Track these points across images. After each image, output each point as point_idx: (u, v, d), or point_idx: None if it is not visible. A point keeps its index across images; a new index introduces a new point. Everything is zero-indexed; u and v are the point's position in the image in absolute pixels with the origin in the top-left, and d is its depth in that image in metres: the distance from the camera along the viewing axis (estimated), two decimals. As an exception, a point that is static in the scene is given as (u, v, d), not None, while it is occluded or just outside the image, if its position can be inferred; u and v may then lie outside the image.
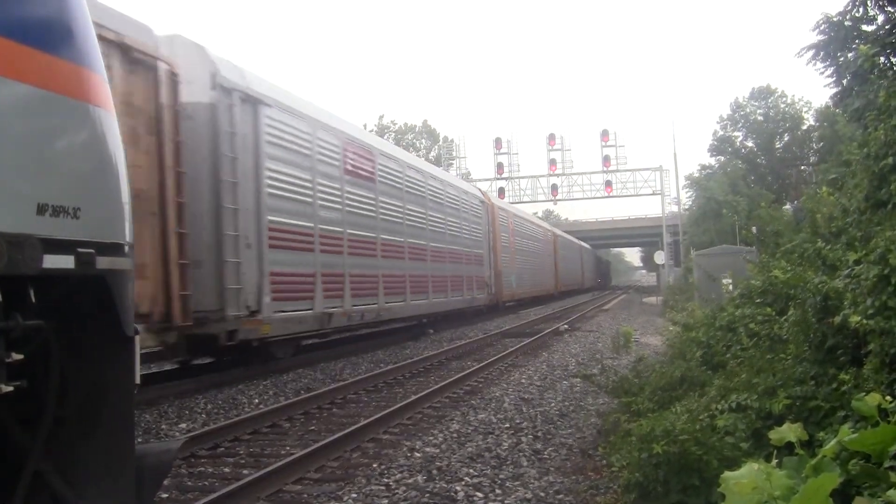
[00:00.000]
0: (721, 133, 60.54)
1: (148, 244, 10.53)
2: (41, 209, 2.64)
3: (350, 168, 17.06)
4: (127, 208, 3.26)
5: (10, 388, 2.55)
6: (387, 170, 19.58)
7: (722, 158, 58.38)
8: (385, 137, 62.69)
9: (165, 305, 10.79)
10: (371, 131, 51.53)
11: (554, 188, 54.23)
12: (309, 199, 14.94)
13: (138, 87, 10.60)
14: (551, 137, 53.38)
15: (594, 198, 55.30)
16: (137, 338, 3.17)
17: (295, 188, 14.37)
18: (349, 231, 16.66)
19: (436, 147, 77.22)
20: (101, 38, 10.20)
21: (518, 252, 37.08)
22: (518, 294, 36.90)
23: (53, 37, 2.87)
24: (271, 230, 13.27)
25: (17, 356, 2.58)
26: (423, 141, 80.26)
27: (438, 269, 23.37)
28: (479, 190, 33.96)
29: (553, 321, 27.30)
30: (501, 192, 51.48)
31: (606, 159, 52.36)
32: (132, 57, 10.43)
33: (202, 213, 11.90)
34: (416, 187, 22.11)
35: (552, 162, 53.39)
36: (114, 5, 10.28)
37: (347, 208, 16.71)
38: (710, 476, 4.45)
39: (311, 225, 14.97)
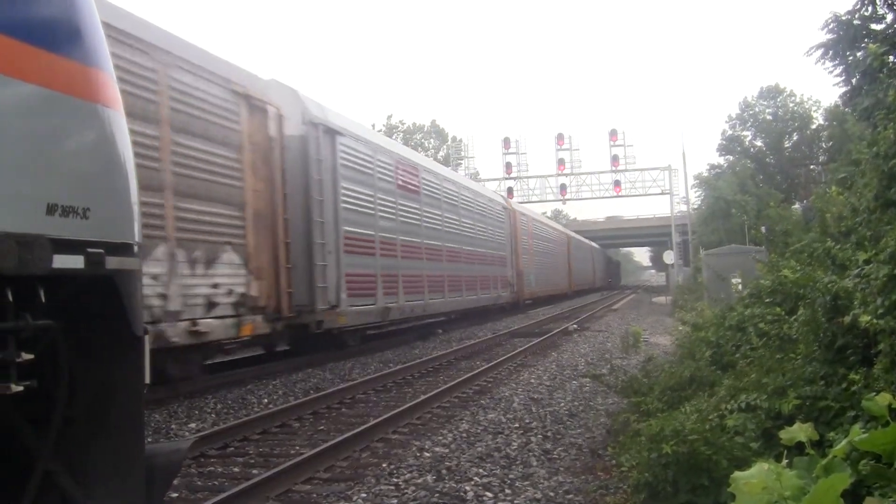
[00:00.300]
0: (730, 132, 60.30)
1: (265, 252, 13.07)
2: (51, 209, 2.65)
3: (401, 183, 19.85)
4: (136, 208, 3.26)
5: (20, 388, 2.56)
6: (428, 183, 22.34)
7: (731, 158, 58.20)
8: (394, 137, 62.78)
9: (276, 301, 13.23)
10: (379, 131, 51.52)
11: (563, 188, 54.04)
12: (371, 212, 17.61)
13: (256, 126, 13.05)
14: (560, 137, 53.25)
15: (603, 197, 55.15)
16: (147, 337, 3.17)
17: (361, 202, 17.07)
18: (401, 238, 19.44)
19: (444, 147, 77.18)
20: (233, 91, 12.00)
21: (536, 253, 38.61)
22: (536, 293, 38.30)
23: (60, 36, 2.87)
24: (346, 238, 15.93)
25: (27, 356, 2.59)
26: (432, 141, 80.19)
27: (470, 270, 25.98)
28: (502, 196, 36.42)
29: (562, 321, 27.25)
30: (510, 191, 51.34)
31: (615, 159, 52.14)
32: (252, 103, 12.91)
33: (297, 225, 14.30)
34: (452, 197, 24.74)
35: (560, 161, 53.24)
36: (222, 54, 12.58)
37: (400, 218, 19.49)
38: (719, 476, 4.43)
39: (373, 233, 17.64)
